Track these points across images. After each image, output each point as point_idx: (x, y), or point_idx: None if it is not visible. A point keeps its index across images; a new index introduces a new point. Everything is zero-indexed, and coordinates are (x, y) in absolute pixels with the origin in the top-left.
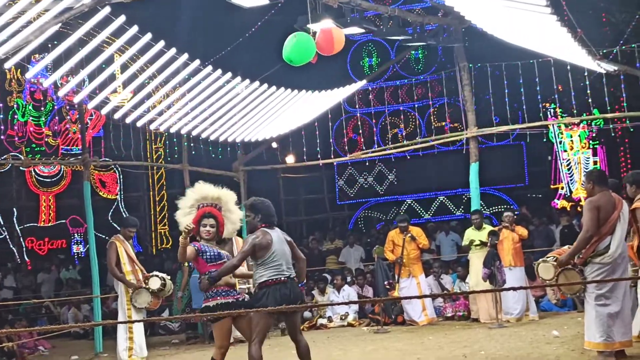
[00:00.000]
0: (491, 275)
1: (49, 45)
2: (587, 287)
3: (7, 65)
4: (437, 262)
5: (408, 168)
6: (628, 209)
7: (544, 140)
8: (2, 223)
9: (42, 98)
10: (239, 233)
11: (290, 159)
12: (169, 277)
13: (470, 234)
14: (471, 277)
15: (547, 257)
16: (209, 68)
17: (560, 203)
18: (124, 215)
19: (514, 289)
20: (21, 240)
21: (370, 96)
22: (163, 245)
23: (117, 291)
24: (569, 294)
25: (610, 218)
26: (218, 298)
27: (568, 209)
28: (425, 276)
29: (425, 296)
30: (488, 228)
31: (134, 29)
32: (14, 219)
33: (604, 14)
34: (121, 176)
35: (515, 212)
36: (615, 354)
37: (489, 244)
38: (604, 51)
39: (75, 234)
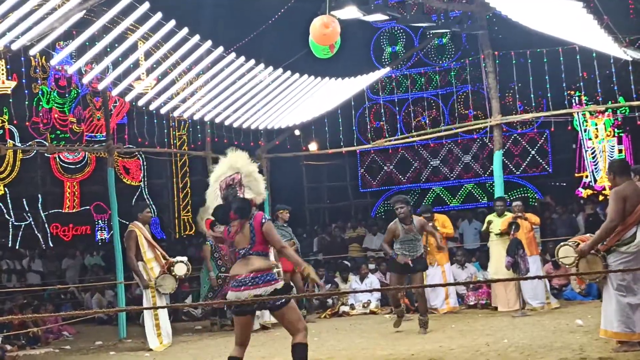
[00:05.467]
0: (514, 263)
1: (74, 33)
2: (610, 275)
3: (32, 52)
4: (460, 250)
5: (431, 155)
6: None
7: (569, 128)
8: (27, 209)
9: (66, 85)
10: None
11: (313, 147)
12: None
13: (491, 219)
14: (491, 265)
15: (569, 242)
16: (233, 55)
17: (584, 191)
18: (147, 202)
19: (536, 277)
20: (46, 226)
21: (393, 84)
22: (186, 232)
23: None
24: (588, 280)
25: (637, 208)
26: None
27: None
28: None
29: (445, 284)
30: (510, 216)
31: (158, 15)
32: (39, 205)
33: (631, 1)
34: (145, 163)
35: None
36: (638, 344)
37: (511, 234)
38: (631, 38)
39: (99, 221)
